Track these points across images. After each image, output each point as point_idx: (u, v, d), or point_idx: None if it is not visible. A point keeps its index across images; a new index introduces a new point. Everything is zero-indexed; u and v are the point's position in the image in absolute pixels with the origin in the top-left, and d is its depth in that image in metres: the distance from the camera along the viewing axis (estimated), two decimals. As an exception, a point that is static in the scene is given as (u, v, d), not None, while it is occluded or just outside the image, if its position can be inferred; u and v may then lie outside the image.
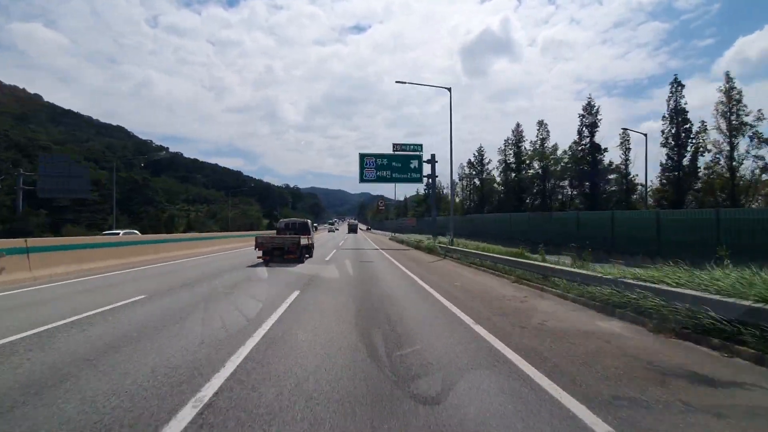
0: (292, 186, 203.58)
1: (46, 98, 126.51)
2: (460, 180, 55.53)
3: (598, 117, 34.67)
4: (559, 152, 38.76)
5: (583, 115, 35.22)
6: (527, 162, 42.15)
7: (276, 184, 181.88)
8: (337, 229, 77.56)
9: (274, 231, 18.41)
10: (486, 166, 50.67)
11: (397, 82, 25.52)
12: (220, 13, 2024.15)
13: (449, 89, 22.42)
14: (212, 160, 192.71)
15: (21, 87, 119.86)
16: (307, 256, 16.44)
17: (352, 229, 63.48)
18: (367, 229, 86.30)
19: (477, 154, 51.45)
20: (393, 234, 49.21)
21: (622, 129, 35.60)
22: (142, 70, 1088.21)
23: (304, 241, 15.30)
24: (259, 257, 14.56)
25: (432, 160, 25.92)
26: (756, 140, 24.58)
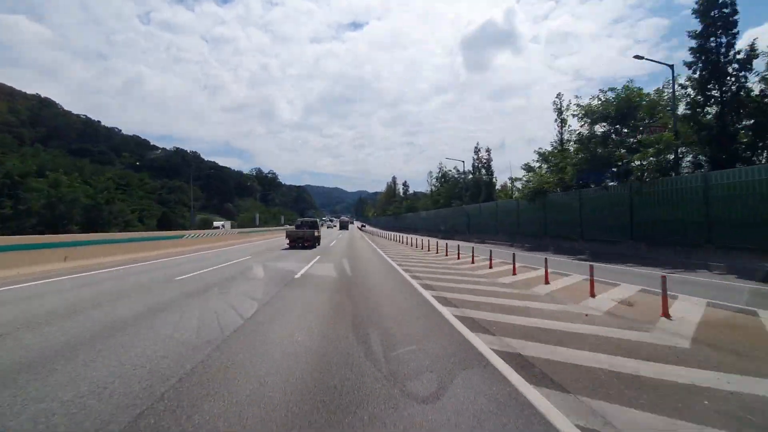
0: (266, 172, 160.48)
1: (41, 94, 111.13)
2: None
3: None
4: None
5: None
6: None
7: (245, 172, 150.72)
8: (335, 226, 79.94)
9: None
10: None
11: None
12: (214, 9, 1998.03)
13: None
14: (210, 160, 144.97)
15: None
16: (317, 244, 22.51)
17: (344, 226, 69.10)
18: (361, 226, 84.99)
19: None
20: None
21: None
22: (133, 66, 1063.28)
23: (316, 233, 22.08)
24: (287, 244, 21.02)
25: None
26: None
